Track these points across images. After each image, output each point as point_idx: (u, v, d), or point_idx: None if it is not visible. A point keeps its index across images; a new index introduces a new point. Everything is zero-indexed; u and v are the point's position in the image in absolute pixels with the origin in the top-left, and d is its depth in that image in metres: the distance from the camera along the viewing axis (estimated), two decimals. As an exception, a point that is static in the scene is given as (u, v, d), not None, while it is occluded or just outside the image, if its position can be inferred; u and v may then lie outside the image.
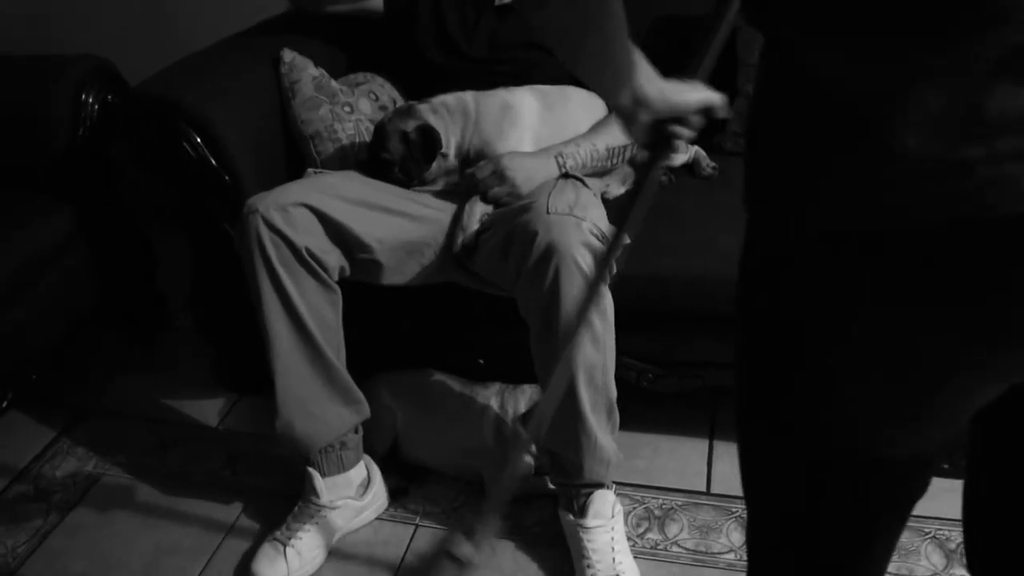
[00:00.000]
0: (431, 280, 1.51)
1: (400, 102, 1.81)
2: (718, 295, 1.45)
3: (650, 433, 1.70)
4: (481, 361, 1.66)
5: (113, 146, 1.88)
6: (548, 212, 1.29)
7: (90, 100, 1.83)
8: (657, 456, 1.66)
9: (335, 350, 1.45)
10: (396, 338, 1.70)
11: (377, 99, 1.76)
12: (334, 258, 1.42)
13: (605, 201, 1.63)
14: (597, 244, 1.29)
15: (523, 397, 1.54)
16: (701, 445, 1.68)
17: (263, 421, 1.66)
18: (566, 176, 1.45)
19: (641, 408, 1.60)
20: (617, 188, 1.67)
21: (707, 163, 1.71)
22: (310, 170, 1.55)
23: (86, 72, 1.84)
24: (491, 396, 1.58)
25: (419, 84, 1.78)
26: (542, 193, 1.37)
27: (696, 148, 1.74)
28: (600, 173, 1.59)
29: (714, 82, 1.79)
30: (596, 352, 1.32)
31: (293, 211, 1.38)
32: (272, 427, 1.44)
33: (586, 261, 1.27)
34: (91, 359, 1.95)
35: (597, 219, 1.33)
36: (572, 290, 1.27)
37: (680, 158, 1.72)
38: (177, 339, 2.02)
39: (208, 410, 1.85)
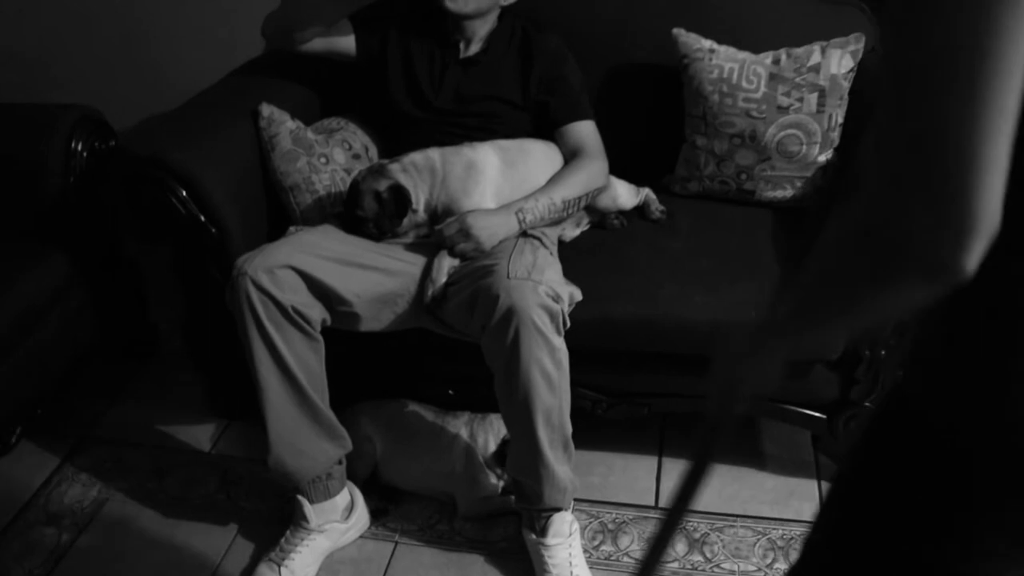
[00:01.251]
0: (405, 326, 1.66)
1: (371, 148, 1.95)
2: (661, 337, 1.65)
3: (604, 452, 1.89)
4: (451, 392, 1.83)
5: (103, 190, 2.00)
6: (508, 277, 1.46)
7: (80, 148, 1.95)
8: (611, 473, 1.85)
9: (320, 393, 1.61)
10: (373, 371, 1.86)
11: (350, 148, 1.90)
12: (317, 312, 1.58)
13: (561, 242, 1.80)
14: (553, 305, 1.46)
15: (491, 429, 1.72)
16: (650, 463, 1.87)
17: (253, 446, 1.83)
18: (525, 234, 1.61)
19: (596, 430, 1.79)
20: (572, 231, 1.84)
21: (656, 207, 1.87)
22: (292, 228, 1.69)
23: (75, 121, 1.95)
24: (461, 425, 1.76)
25: (389, 130, 1.92)
26: (503, 255, 1.53)
27: (647, 190, 1.90)
28: (557, 221, 1.75)
29: (661, 132, 1.97)
30: (552, 397, 1.49)
31: (279, 273, 1.53)
32: (263, 454, 1.60)
33: (543, 320, 1.44)
34: (88, 388, 2.08)
35: (552, 281, 1.50)
36: (531, 346, 1.44)
37: (632, 199, 1.88)
38: (169, 366, 2.16)
39: (201, 435, 2.00)
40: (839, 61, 1.76)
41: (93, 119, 1.99)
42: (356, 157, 1.89)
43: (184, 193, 1.70)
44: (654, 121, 1.97)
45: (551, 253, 1.63)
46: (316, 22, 1.81)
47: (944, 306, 0.66)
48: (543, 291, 1.45)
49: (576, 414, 1.59)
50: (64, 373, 1.96)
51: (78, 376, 2.00)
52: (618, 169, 1.87)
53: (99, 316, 2.00)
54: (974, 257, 0.58)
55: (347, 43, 1.86)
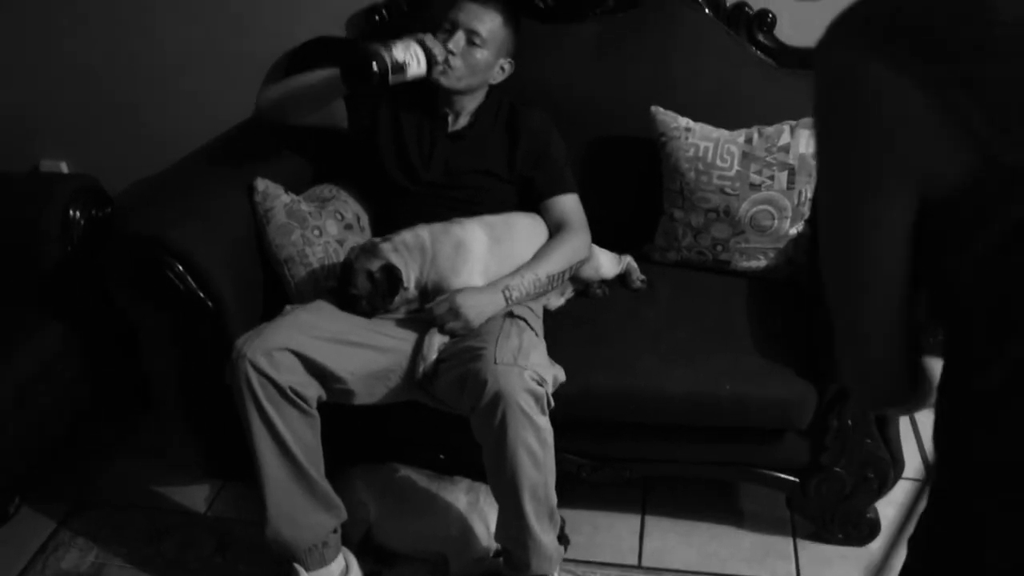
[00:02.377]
0: (397, 399, 1.73)
1: (363, 217, 2.02)
2: (640, 408, 1.74)
3: (589, 511, 1.96)
4: (441, 456, 1.90)
5: (99, 258, 2.04)
6: (496, 362, 1.53)
7: (77, 216, 2.00)
8: (596, 533, 1.93)
9: (315, 466, 1.68)
10: (365, 437, 1.92)
11: (343, 218, 1.97)
12: (313, 390, 1.64)
13: (546, 311, 1.88)
14: (538, 388, 1.54)
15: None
16: (634, 522, 1.95)
17: (248, 507, 1.89)
18: (512, 315, 1.69)
19: (581, 491, 1.87)
20: (557, 300, 1.92)
21: (637, 275, 1.96)
22: (287, 307, 1.76)
23: (73, 191, 2.00)
24: (459, 492, 1.82)
25: (379, 200, 1.99)
26: (491, 338, 1.61)
27: (628, 259, 1.99)
28: (542, 293, 1.83)
29: (641, 202, 2.05)
30: (538, 473, 1.57)
31: (277, 355, 1.59)
32: (258, 516, 1.67)
33: (528, 404, 1.52)
34: (82, 448, 2.13)
35: (537, 364, 1.57)
36: (517, 428, 1.51)
37: (613, 268, 1.96)
38: (162, 427, 2.21)
39: (196, 496, 2.06)
40: (807, 141, 1.85)
41: (90, 188, 2.04)
42: (348, 227, 1.96)
43: (181, 269, 1.76)
44: (634, 192, 2.06)
45: (536, 334, 1.70)
46: (309, 98, 1.88)
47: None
48: (528, 376, 1.53)
49: (561, 477, 1.66)
50: (62, 438, 2.00)
51: (74, 438, 2.05)
52: (600, 237, 1.96)
53: (94, 378, 2.06)
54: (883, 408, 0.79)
55: (338, 116, 1.92)
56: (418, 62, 1.74)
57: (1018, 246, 0.67)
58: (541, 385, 1.55)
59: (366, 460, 1.93)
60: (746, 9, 2.10)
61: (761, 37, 2.11)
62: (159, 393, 2.17)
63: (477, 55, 1.86)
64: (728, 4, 2.10)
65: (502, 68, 1.93)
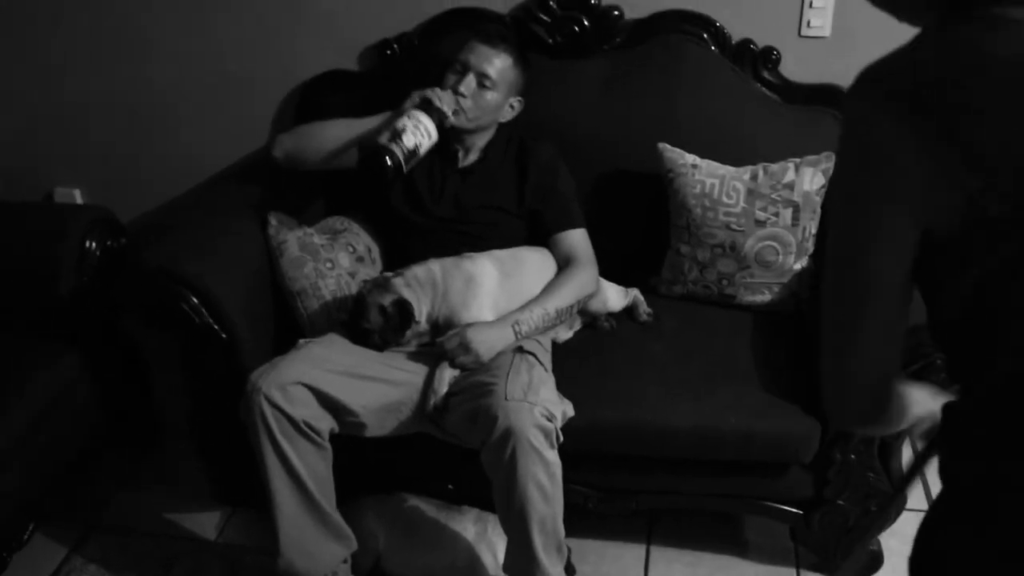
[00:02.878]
0: (408, 431, 1.76)
1: (374, 249, 2.05)
2: (646, 441, 1.76)
3: (596, 541, 1.99)
4: (451, 486, 1.93)
5: (113, 288, 2.08)
6: (506, 399, 1.56)
7: (93, 247, 2.03)
8: (602, 562, 1.95)
9: (327, 497, 1.71)
10: (375, 467, 1.95)
11: (354, 250, 2.00)
12: (326, 423, 1.67)
13: (555, 344, 1.91)
14: (547, 424, 1.57)
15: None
16: (639, 551, 1.97)
17: (259, 534, 1.92)
18: (522, 350, 1.72)
19: (588, 521, 1.89)
20: (565, 333, 1.95)
21: (644, 309, 1.99)
22: (301, 341, 1.79)
23: (90, 222, 2.03)
24: (467, 523, 1.85)
25: (390, 234, 2.02)
26: (501, 373, 1.64)
27: (635, 292, 2.02)
28: (551, 327, 1.86)
29: (648, 235, 2.09)
30: (547, 506, 1.60)
31: (291, 389, 1.63)
32: (268, 543, 1.70)
33: (538, 440, 1.55)
34: (94, 474, 2.15)
35: (547, 400, 1.61)
36: (527, 464, 1.54)
37: (620, 301, 1.99)
38: (173, 453, 2.24)
39: (206, 523, 2.08)
40: (811, 179, 1.89)
41: (105, 219, 2.07)
42: (360, 260, 1.99)
43: (196, 301, 1.80)
44: (641, 225, 2.09)
45: (546, 369, 1.73)
46: (323, 149, 1.93)
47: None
48: (538, 412, 1.56)
49: (568, 507, 1.69)
50: (74, 464, 2.03)
51: (85, 464, 2.08)
52: (607, 270, 1.99)
53: (107, 406, 2.08)
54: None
55: (351, 159, 1.96)
56: (429, 136, 1.79)
57: (996, 289, 0.76)
58: (550, 421, 1.58)
59: (376, 490, 1.96)
60: (751, 46, 2.13)
61: (766, 74, 2.15)
62: (171, 421, 2.20)
63: (488, 96, 1.90)
64: (733, 41, 2.14)
65: (511, 106, 1.98)
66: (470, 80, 1.89)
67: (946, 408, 0.88)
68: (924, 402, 0.99)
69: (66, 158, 2.58)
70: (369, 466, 1.93)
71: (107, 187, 2.60)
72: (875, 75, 0.80)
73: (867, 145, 0.80)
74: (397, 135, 1.75)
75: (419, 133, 1.77)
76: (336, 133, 1.91)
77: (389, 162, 1.72)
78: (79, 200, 2.63)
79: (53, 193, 2.63)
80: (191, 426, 2.04)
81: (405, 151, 1.74)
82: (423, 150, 1.79)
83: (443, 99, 1.82)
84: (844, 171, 0.86)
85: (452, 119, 1.84)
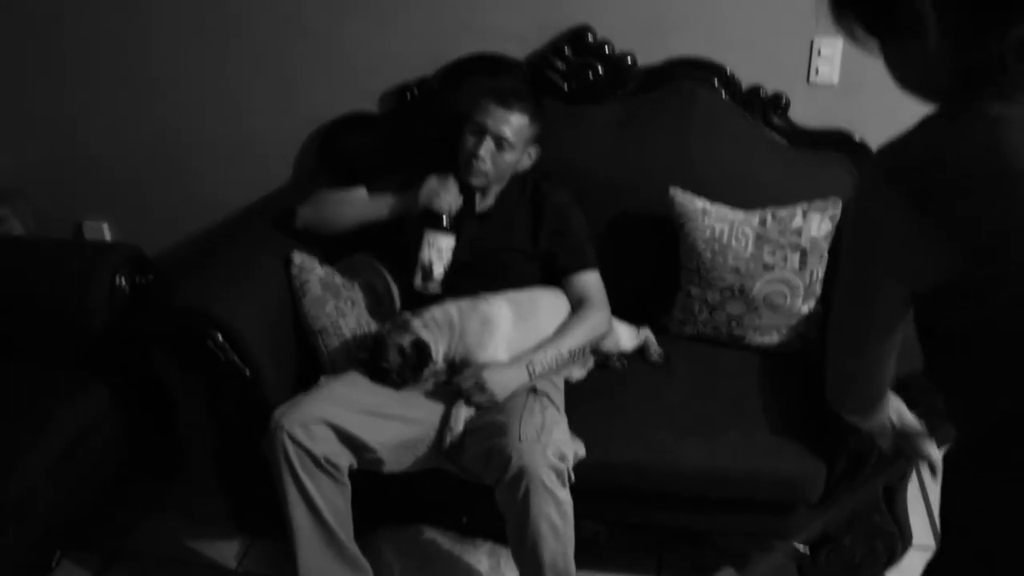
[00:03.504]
0: (424, 467, 1.82)
1: (393, 288, 2.11)
2: (655, 480, 1.81)
3: (607, 574, 2.02)
4: (465, 519, 1.98)
5: (140, 323, 2.15)
6: (520, 439, 1.62)
7: (123, 283, 2.11)
8: (613, 595, 1.99)
9: (345, 530, 1.77)
10: (392, 499, 2.00)
11: (374, 290, 2.06)
12: (345, 460, 1.74)
13: (567, 382, 1.96)
14: (559, 464, 1.62)
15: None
16: (650, 584, 2.02)
17: (278, 563, 1.97)
18: (535, 390, 1.78)
19: (598, 555, 1.94)
20: (578, 372, 2.00)
21: (655, 349, 2.04)
22: (322, 379, 1.85)
23: (119, 260, 2.11)
24: (481, 555, 1.90)
25: (408, 277, 2.08)
26: (515, 413, 1.69)
27: (647, 331, 2.07)
28: (564, 366, 1.91)
29: (660, 275, 2.13)
30: (558, 544, 1.65)
31: (313, 427, 1.69)
32: (285, 572, 1.76)
33: (550, 479, 1.60)
34: (118, 502, 2.21)
35: (559, 441, 1.66)
36: (540, 503, 1.60)
37: (632, 341, 2.05)
38: (195, 483, 2.30)
39: (227, 552, 2.14)
40: (819, 225, 1.94)
41: (134, 257, 2.15)
42: (379, 299, 2.05)
43: (222, 339, 1.86)
44: (653, 266, 2.15)
45: (558, 409, 1.79)
46: (338, 223, 2.03)
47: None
48: (551, 452, 1.62)
49: (579, 541, 1.73)
50: (100, 492, 2.09)
51: (111, 493, 2.14)
52: (620, 308, 2.05)
53: (133, 436, 2.15)
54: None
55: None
56: (448, 245, 1.96)
57: (970, 344, 0.89)
58: (562, 461, 1.63)
59: (393, 521, 2.01)
60: (761, 93, 2.20)
61: (775, 119, 2.21)
62: (194, 451, 2.27)
63: (506, 157, 1.98)
64: (743, 88, 2.21)
65: (529, 155, 2.05)
66: (488, 143, 1.96)
67: (944, 456, 0.98)
68: (899, 411, 1.26)
69: (95, 192, 2.67)
70: (386, 499, 1.98)
71: (134, 220, 2.69)
72: (883, 155, 0.89)
73: (869, 214, 0.91)
74: (427, 274, 1.93)
75: (440, 251, 1.94)
76: (351, 212, 2.02)
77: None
78: (107, 232, 2.72)
79: (82, 225, 2.72)
80: (215, 457, 2.10)
81: (440, 277, 1.93)
82: (448, 255, 1.96)
83: (443, 203, 1.92)
84: (852, 232, 0.97)
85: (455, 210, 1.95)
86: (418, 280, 1.94)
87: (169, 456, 2.32)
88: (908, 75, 0.91)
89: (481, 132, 1.97)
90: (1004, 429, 0.88)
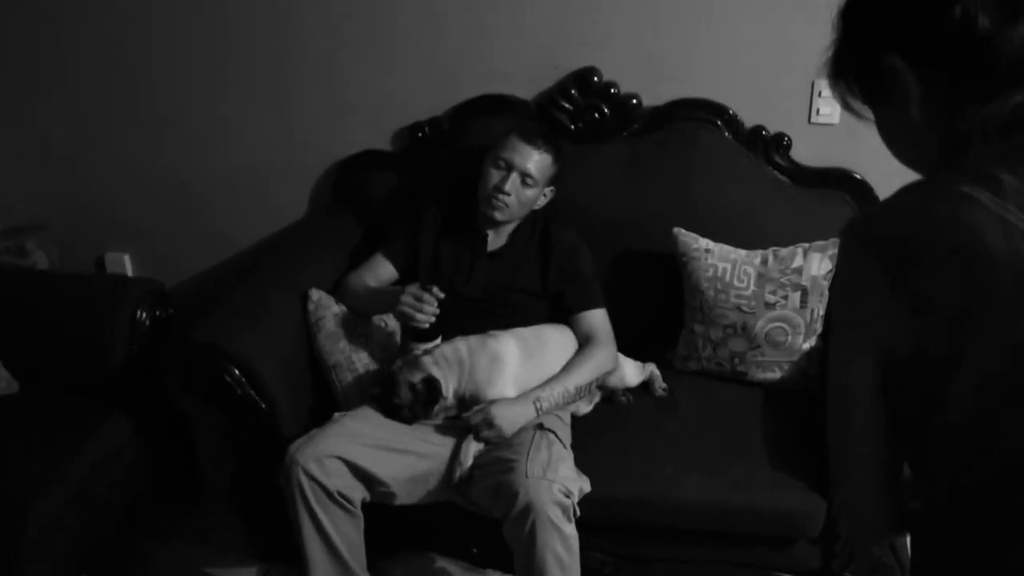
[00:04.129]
0: (435, 500, 1.87)
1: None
2: (660, 514, 1.86)
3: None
4: (475, 550, 2.03)
5: (160, 355, 2.22)
6: (527, 476, 1.67)
7: (143, 317, 2.18)
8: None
9: (358, 560, 1.83)
10: (403, 529, 2.06)
11: (386, 326, 2.13)
12: (358, 493, 1.80)
13: (574, 416, 2.02)
14: (565, 500, 1.68)
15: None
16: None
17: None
18: (542, 427, 1.83)
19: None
20: (585, 407, 2.06)
21: (660, 384, 2.10)
22: (336, 414, 1.91)
23: (140, 295, 2.19)
24: (488, 584, 1.96)
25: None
26: (523, 449, 1.75)
27: (652, 367, 2.12)
28: (570, 402, 1.97)
29: (665, 311, 2.18)
30: (564, 577, 1.70)
31: (327, 462, 1.75)
32: None
33: (556, 515, 1.66)
34: (140, 530, 2.28)
35: (565, 478, 1.72)
36: (546, 537, 1.65)
37: (637, 376, 2.10)
38: (213, 510, 2.36)
39: (244, 578, 2.20)
40: (819, 264, 2.00)
41: (155, 291, 2.22)
42: (391, 335, 2.12)
43: (239, 374, 1.93)
44: (658, 302, 2.21)
45: (564, 446, 1.84)
46: (359, 310, 2.10)
47: None
48: (557, 489, 1.67)
49: (585, 571, 1.78)
50: (122, 520, 2.16)
51: (133, 521, 2.21)
52: (626, 344, 2.10)
53: (153, 465, 2.22)
54: None
55: (391, 274, 2.16)
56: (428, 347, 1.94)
57: (932, 413, 0.88)
58: (568, 497, 1.69)
59: (405, 550, 2.07)
60: (763, 132, 2.26)
61: (777, 158, 2.27)
62: (212, 481, 2.33)
63: (529, 192, 2.05)
64: (746, 128, 2.27)
65: (544, 195, 2.12)
66: (515, 179, 2.03)
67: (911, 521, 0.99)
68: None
69: (117, 226, 2.74)
70: (399, 528, 2.04)
71: (155, 252, 2.76)
72: (862, 221, 0.92)
73: (845, 277, 0.93)
74: (416, 367, 1.89)
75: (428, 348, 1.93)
76: (368, 306, 2.09)
77: (438, 389, 1.87)
78: (128, 263, 2.79)
79: (104, 257, 2.80)
80: (232, 486, 2.17)
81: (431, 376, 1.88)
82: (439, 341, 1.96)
83: (422, 320, 1.91)
84: (831, 293, 1.01)
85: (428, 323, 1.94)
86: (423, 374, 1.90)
87: (187, 484, 2.38)
88: (901, 149, 0.93)
89: (508, 167, 2.04)
90: (956, 503, 0.89)
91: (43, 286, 2.30)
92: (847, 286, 0.93)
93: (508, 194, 2.03)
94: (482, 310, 2.05)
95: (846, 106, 0.94)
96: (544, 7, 2.27)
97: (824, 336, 2.05)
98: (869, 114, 0.95)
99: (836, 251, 1.99)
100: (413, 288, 1.92)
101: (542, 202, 2.13)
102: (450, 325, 2.01)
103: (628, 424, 2.01)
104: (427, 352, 1.91)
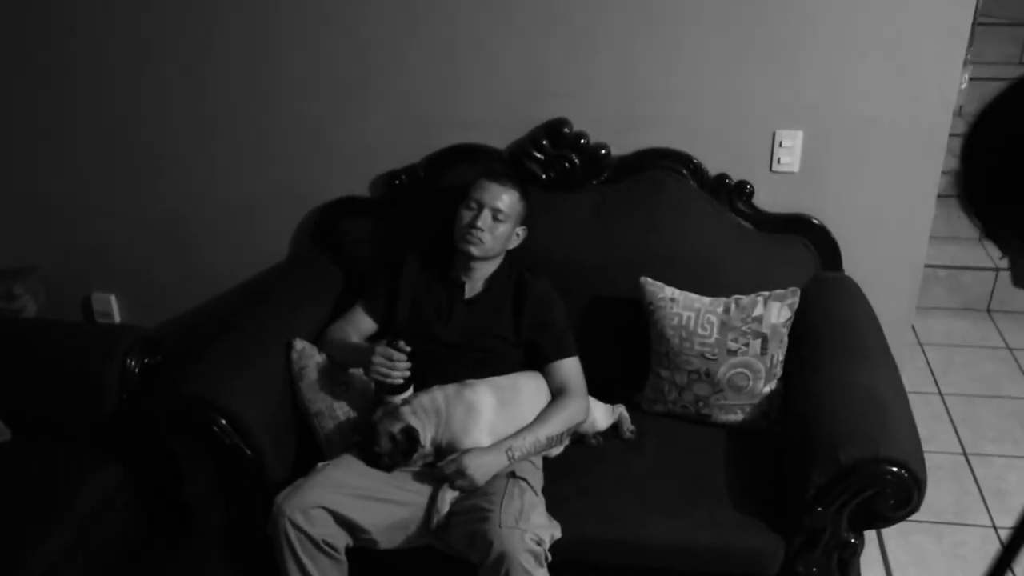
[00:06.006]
0: (415, 545, 1.97)
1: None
2: (627, 555, 1.96)
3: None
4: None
5: (149, 402, 2.30)
6: (500, 526, 1.77)
7: (133, 365, 2.26)
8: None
9: (343, 605, 1.92)
10: (384, 569, 2.15)
11: (364, 374, 2.21)
12: (342, 540, 1.89)
13: (545, 459, 2.11)
14: (536, 548, 1.77)
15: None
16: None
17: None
18: (514, 475, 1.93)
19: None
20: (556, 449, 2.15)
21: (628, 426, 2.20)
22: (320, 464, 2.00)
23: (131, 343, 2.27)
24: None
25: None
26: (496, 499, 1.85)
27: (621, 409, 2.22)
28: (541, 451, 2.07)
29: (633, 354, 2.27)
30: (539, 618, 1.80)
31: (312, 512, 1.84)
32: None
33: (528, 562, 1.75)
34: (133, 570, 2.35)
35: (537, 526, 1.81)
36: (519, 584, 1.75)
37: (607, 420, 2.20)
38: (202, 547, 2.44)
39: (234, 615, 2.28)
40: (778, 312, 2.10)
41: (144, 340, 2.30)
42: (369, 383, 2.20)
43: (226, 423, 2.01)
44: (628, 344, 2.30)
45: (536, 493, 1.94)
46: (343, 360, 2.19)
47: None
48: (528, 538, 1.77)
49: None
50: (114, 564, 2.24)
51: (126, 563, 2.29)
52: (595, 386, 2.19)
53: (145, 508, 2.30)
54: None
55: (370, 326, 2.25)
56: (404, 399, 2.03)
57: None
58: (540, 544, 1.78)
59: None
60: (726, 180, 2.36)
61: (740, 205, 2.37)
62: (201, 520, 2.42)
63: (501, 229, 2.14)
64: (710, 176, 2.37)
65: (517, 235, 2.22)
66: (486, 215, 2.14)
67: None
68: None
69: (103, 267, 2.82)
70: (381, 566, 2.13)
71: (141, 292, 2.84)
72: None
73: None
74: (395, 418, 1.98)
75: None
76: (345, 360, 2.17)
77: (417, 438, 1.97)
78: (114, 303, 2.87)
79: (91, 297, 2.87)
80: (222, 526, 2.25)
81: (408, 427, 1.97)
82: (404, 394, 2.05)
83: (395, 377, 2.01)
84: None
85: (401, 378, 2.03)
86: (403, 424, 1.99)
87: (177, 524, 2.46)
88: None
89: (479, 206, 2.15)
90: None
91: (34, 335, 2.37)
92: None
93: (482, 229, 2.13)
94: (460, 355, 2.14)
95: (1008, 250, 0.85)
96: (516, 61, 2.36)
97: (783, 380, 2.16)
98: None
99: (794, 300, 2.11)
100: (381, 348, 2.01)
101: (515, 242, 2.23)
102: (429, 370, 2.10)
103: (597, 467, 2.10)
104: (405, 402, 2.00)
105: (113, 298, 2.86)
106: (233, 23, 2.44)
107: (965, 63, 2.42)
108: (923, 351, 3.54)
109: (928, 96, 2.23)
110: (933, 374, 3.40)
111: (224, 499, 2.18)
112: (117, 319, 2.88)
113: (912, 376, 3.18)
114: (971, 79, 3.74)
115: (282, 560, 1.86)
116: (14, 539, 1.94)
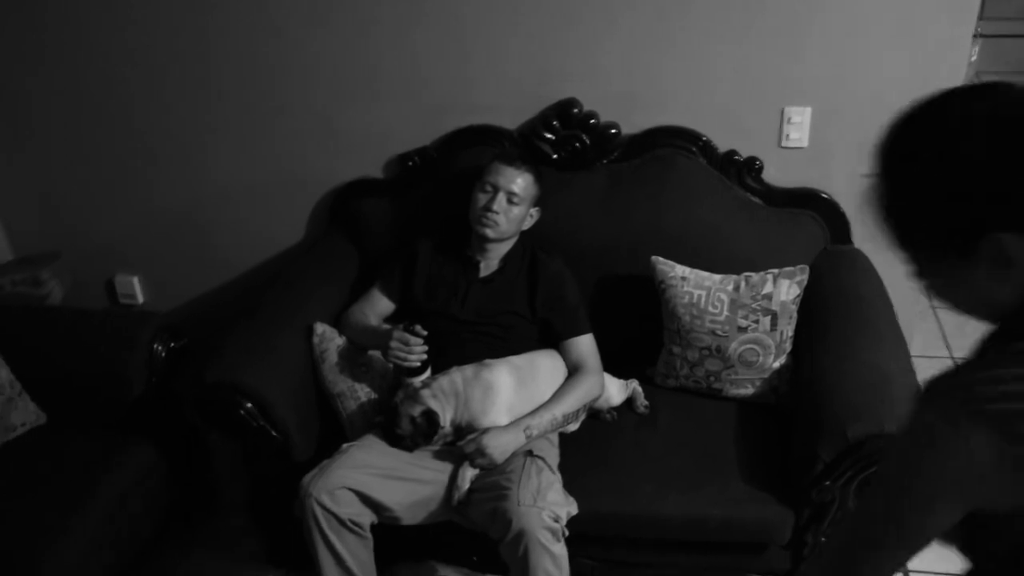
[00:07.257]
0: (437, 520, 2.05)
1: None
2: (640, 528, 2.03)
3: (601, 603, 2.26)
4: (475, 558, 2.22)
5: (175, 384, 2.38)
6: (519, 504, 1.84)
7: (159, 349, 2.34)
8: (608, 624, 2.23)
9: (369, 576, 2.01)
10: (408, 538, 2.23)
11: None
12: (367, 518, 1.97)
13: (562, 434, 2.18)
14: (554, 525, 1.85)
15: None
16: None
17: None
18: (531, 453, 2.00)
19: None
20: (573, 425, 2.22)
21: (641, 401, 2.26)
22: (344, 445, 2.07)
23: (157, 328, 2.34)
24: (488, 592, 2.14)
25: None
26: (515, 477, 1.92)
27: (635, 384, 2.28)
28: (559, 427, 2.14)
29: (646, 329, 2.33)
30: (555, 592, 1.88)
31: (337, 493, 1.92)
32: None
33: (546, 538, 1.83)
34: (163, 545, 2.45)
35: (554, 503, 1.88)
36: (537, 559, 1.83)
37: (621, 395, 2.26)
38: (231, 521, 2.53)
39: (264, 586, 2.39)
40: (787, 290, 2.14)
41: (169, 326, 2.37)
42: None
43: (252, 407, 2.09)
44: (640, 320, 2.35)
45: (553, 471, 2.00)
46: (357, 343, 2.25)
47: None
48: (546, 515, 1.84)
49: (574, 574, 1.96)
50: (149, 537, 2.34)
51: (158, 537, 2.39)
52: (610, 361, 2.25)
53: (176, 485, 2.39)
54: None
55: (388, 307, 2.31)
56: (419, 381, 2.09)
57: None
58: (557, 521, 1.86)
59: (410, 559, 2.25)
60: (736, 157, 2.38)
61: (750, 180, 2.40)
62: (229, 496, 2.51)
63: (515, 211, 2.19)
64: (720, 153, 2.39)
65: (531, 215, 2.26)
66: (501, 198, 2.18)
67: None
68: None
69: (126, 250, 2.88)
70: (404, 540, 2.22)
71: (162, 273, 2.91)
72: (961, 389, 0.86)
73: (936, 449, 0.86)
74: (414, 401, 2.04)
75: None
76: (364, 342, 2.24)
77: (437, 419, 2.03)
78: (137, 285, 2.94)
79: (114, 279, 2.94)
80: (249, 502, 2.34)
81: (428, 410, 2.03)
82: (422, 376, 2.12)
83: (412, 361, 2.08)
84: (911, 468, 0.90)
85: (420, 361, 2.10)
86: (421, 407, 2.05)
87: (205, 500, 2.56)
88: (967, 303, 0.94)
89: (494, 189, 2.19)
90: None
91: (62, 324, 2.44)
92: (938, 453, 0.86)
93: (496, 212, 2.17)
94: (477, 332, 2.20)
95: (905, 255, 0.93)
96: (526, 42, 2.38)
97: (793, 353, 2.21)
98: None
99: (803, 277, 2.15)
100: (398, 333, 2.07)
101: (529, 222, 2.27)
102: (447, 347, 2.16)
103: (612, 442, 2.17)
104: (425, 384, 2.07)
105: (136, 279, 2.92)
106: (245, 11, 2.46)
107: (975, 36, 2.41)
108: (935, 314, 3.57)
109: (937, 71, 2.23)
110: (945, 337, 3.43)
111: (250, 478, 2.26)
112: (140, 300, 2.95)
113: (924, 339, 3.21)
114: (983, 36, 3.71)
115: (311, 539, 1.94)
116: (55, 515, 2.03)
